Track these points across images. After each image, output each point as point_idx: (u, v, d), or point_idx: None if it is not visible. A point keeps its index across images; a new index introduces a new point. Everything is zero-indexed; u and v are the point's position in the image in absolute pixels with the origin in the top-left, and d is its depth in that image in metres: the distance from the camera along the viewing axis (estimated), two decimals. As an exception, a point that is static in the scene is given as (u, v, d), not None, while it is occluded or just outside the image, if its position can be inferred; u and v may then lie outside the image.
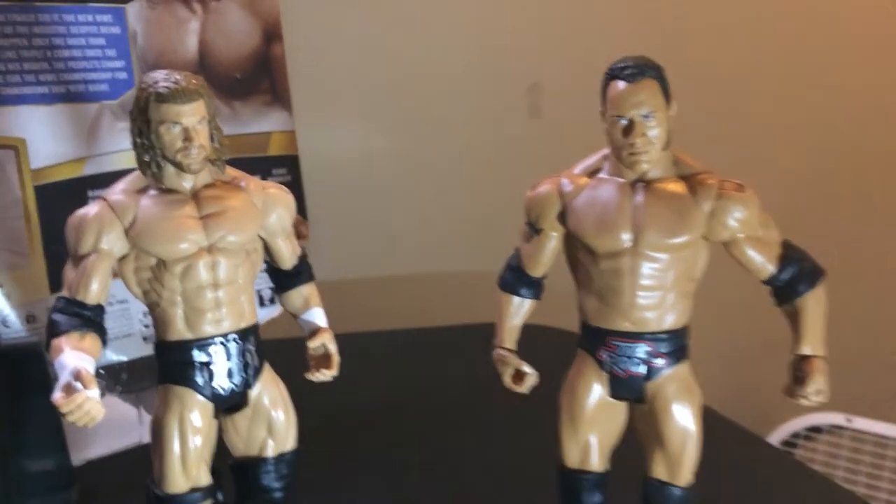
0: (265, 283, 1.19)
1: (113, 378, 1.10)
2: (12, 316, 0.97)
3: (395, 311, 1.47)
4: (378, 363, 1.28)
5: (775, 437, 1.65)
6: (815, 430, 1.78)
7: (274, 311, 1.19)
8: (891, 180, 1.65)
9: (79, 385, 0.49)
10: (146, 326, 1.07)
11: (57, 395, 0.49)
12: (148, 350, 1.07)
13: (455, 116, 1.48)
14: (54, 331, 0.54)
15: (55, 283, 0.55)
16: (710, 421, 0.92)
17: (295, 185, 1.24)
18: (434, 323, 1.39)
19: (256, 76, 1.19)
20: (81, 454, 0.99)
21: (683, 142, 0.60)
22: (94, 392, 0.50)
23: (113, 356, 1.05)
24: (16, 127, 0.96)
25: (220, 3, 1.14)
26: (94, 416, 0.50)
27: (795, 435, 1.74)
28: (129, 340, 1.06)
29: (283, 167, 1.21)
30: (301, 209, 1.25)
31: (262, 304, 1.19)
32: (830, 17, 1.58)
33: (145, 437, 0.60)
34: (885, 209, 1.67)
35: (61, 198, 0.99)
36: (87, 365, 0.52)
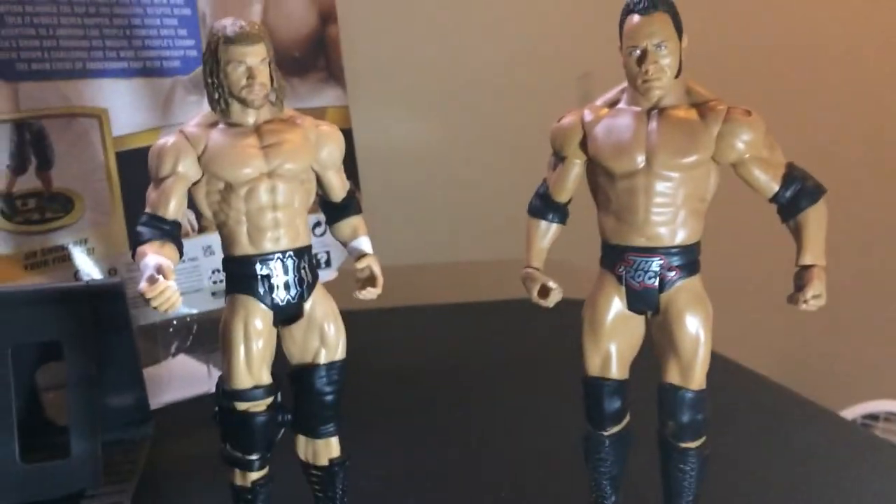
0: (322, 248, 1.28)
1: (184, 330, 1.20)
2: (96, 269, 1.07)
3: (439, 286, 1.53)
4: (422, 335, 1.38)
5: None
6: (872, 417, 1.78)
7: (329, 273, 1.27)
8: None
9: (160, 276, 0.58)
10: (214, 283, 1.17)
11: (143, 285, 0.57)
12: (215, 304, 1.17)
13: (505, 101, 1.53)
14: (139, 240, 0.63)
15: (134, 240, 0.63)
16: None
17: (348, 158, 1.32)
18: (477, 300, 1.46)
19: (313, 55, 1.28)
20: (158, 399, 1.08)
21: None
22: (173, 283, 0.58)
23: (184, 309, 1.15)
24: (99, 98, 1.06)
25: (281, -13, 1.23)
26: (174, 303, 0.58)
27: (851, 423, 1.74)
28: (199, 295, 1.16)
29: (338, 140, 1.29)
30: (354, 180, 1.34)
31: (318, 266, 1.27)
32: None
33: (213, 388, 0.69)
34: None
35: (139, 163, 1.08)
36: (168, 263, 0.60)
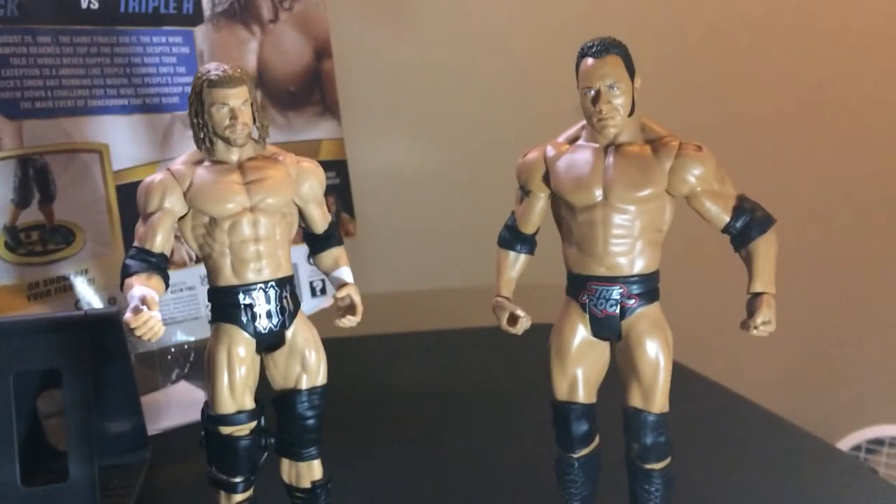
0: (317, 276, 1.31)
1: (182, 357, 1.24)
2: (96, 298, 1.11)
3: (430, 310, 1.56)
4: (410, 360, 1.41)
5: (837, 450, 1.66)
6: (878, 442, 1.79)
7: (324, 301, 1.31)
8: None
9: (145, 308, 0.61)
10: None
11: (128, 315, 0.61)
12: (212, 332, 1.21)
13: (498, 133, 1.55)
14: (127, 272, 0.66)
15: (122, 272, 0.67)
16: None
17: (343, 188, 1.36)
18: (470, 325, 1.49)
19: (308, 90, 1.32)
20: (156, 425, 1.11)
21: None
22: (157, 313, 0.62)
23: (182, 336, 1.18)
24: (100, 134, 1.10)
25: (276, 25, 1.28)
26: (157, 332, 0.62)
27: (857, 447, 1.75)
28: (196, 323, 1.19)
29: (333, 171, 1.33)
30: (349, 210, 1.38)
31: (313, 294, 1.31)
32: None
33: None
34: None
35: (138, 196, 1.12)
36: (153, 295, 0.64)
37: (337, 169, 1.34)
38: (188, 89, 1.17)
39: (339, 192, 1.34)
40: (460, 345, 1.45)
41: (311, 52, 1.32)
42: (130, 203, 1.12)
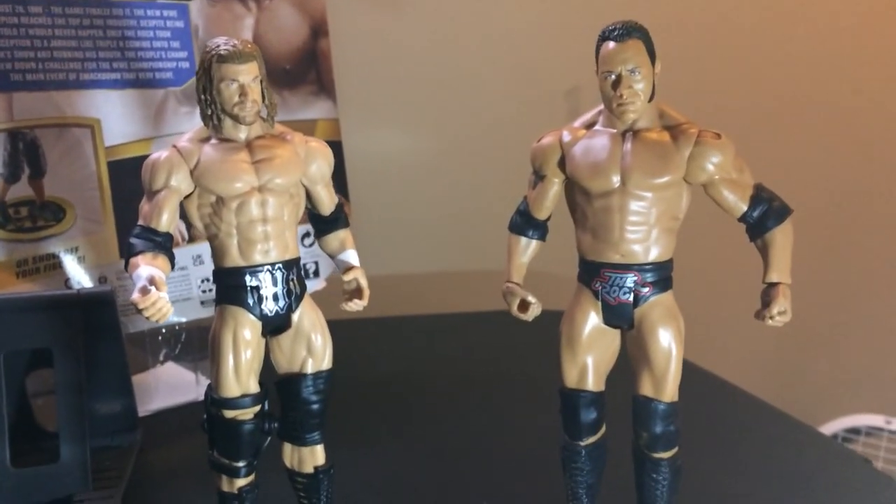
0: (310, 258, 1.30)
1: (173, 338, 1.22)
2: (86, 277, 1.09)
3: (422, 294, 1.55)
4: (408, 345, 1.41)
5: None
6: (854, 431, 1.81)
7: (318, 283, 1.29)
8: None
9: (152, 287, 0.60)
10: (203, 292, 1.19)
11: (135, 296, 0.59)
12: (204, 313, 1.19)
13: (493, 115, 1.55)
14: (132, 251, 0.64)
15: (127, 251, 0.65)
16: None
17: (338, 170, 1.34)
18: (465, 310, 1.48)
19: (304, 68, 1.30)
20: (146, 406, 1.10)
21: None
22: (165, 294, 0.60)
23: (173, 317, 1.16)
24: (92, 109, 1.08)
25: (273, 1, 1.25)
26: (165, 313, 0.60)
27: (834, 437, 1.77)
28: (188, 304, 1.17)
29: (328, 151, 1.31)
30: (343, 191, 1.36)
31: (306, 276, 1.29)
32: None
33: (201, 396, 0.70)
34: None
35: (131, 173, 1.09)
36: (160, 275, 0.62)
37: (332, 150, 1.32)
38: (182, 64, 1.17)
39: (334, 174, 1.31)
40: (460, 329, 1.45)
41: (307, 29, 1.30)
42: (122, 180, 1.10)
